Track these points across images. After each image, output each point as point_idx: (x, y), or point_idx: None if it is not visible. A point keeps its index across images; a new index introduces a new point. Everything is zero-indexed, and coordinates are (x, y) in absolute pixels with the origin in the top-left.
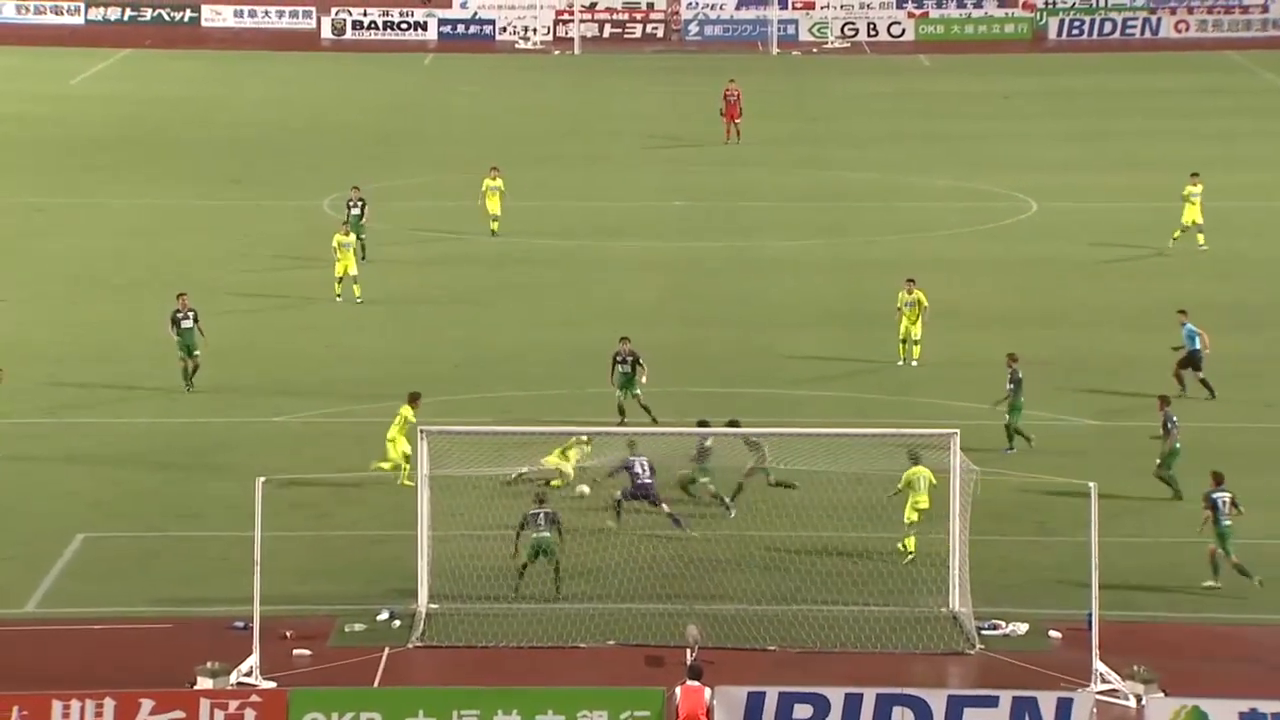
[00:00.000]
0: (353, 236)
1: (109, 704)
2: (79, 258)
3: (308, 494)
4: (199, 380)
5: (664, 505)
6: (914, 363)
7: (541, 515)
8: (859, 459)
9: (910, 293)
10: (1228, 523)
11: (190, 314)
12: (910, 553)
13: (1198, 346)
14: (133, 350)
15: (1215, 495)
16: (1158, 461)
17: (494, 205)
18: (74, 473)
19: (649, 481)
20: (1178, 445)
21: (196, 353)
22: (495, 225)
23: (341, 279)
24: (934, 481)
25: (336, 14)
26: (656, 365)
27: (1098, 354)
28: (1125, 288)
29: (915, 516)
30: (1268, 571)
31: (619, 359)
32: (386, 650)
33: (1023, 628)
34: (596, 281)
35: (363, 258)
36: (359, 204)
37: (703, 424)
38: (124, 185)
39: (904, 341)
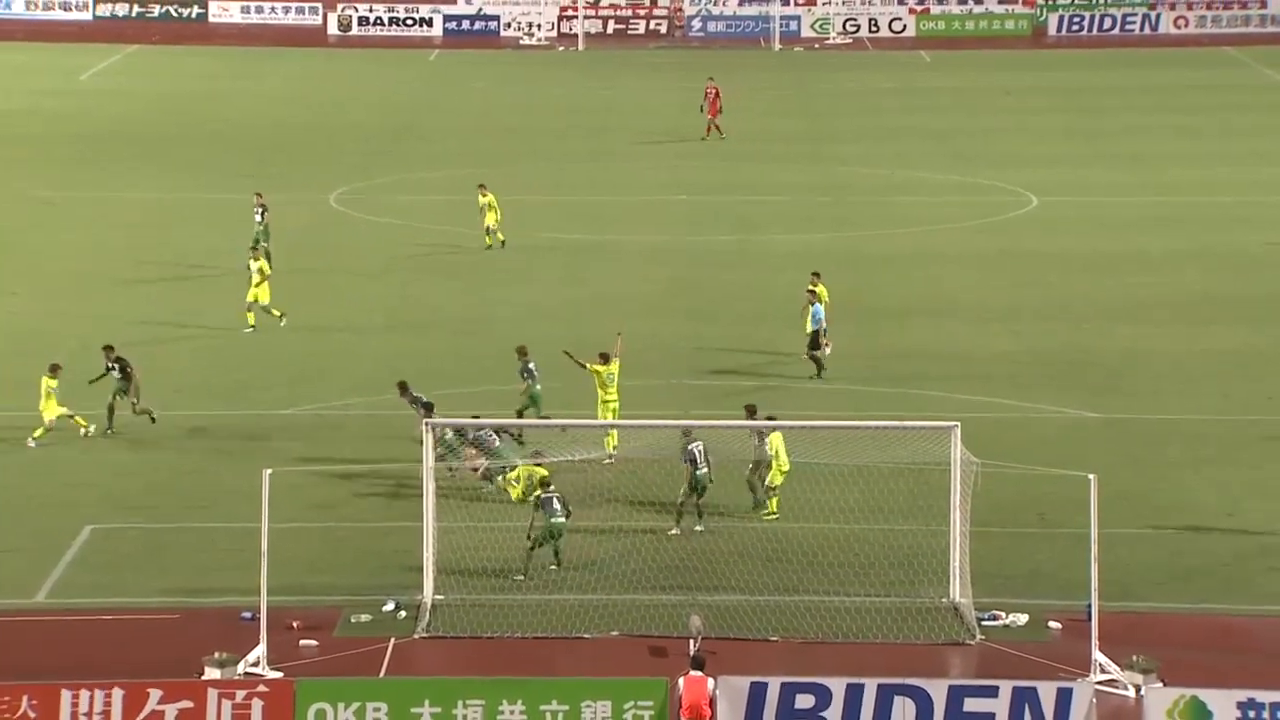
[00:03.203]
0: (263, 262)
1: (117, 694)
2: (89, 251)
3: (315, 486)
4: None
5: None
6: (826, 350)
7: (555, 499)
8: (860, 452)
9: (815, 286)
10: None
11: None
12: (774, 513)
13: (819, 329)
14: (141, 342)
15: (691, 446)
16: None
17: (490, 220)
18: (83, 464)
19: None
20: (538, 389)
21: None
22: (495, 238)
23: (252, 305)
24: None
25: (343, 10)
26: (660, 357)
27: (1097, 347)
28: (1124, 281)
29: (780, 479)
30: (1271, 562)
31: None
32: (392, 641)
33: (1023, 618)
34: (601, 275)
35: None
36: (260, 210)
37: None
38: (133, 179)
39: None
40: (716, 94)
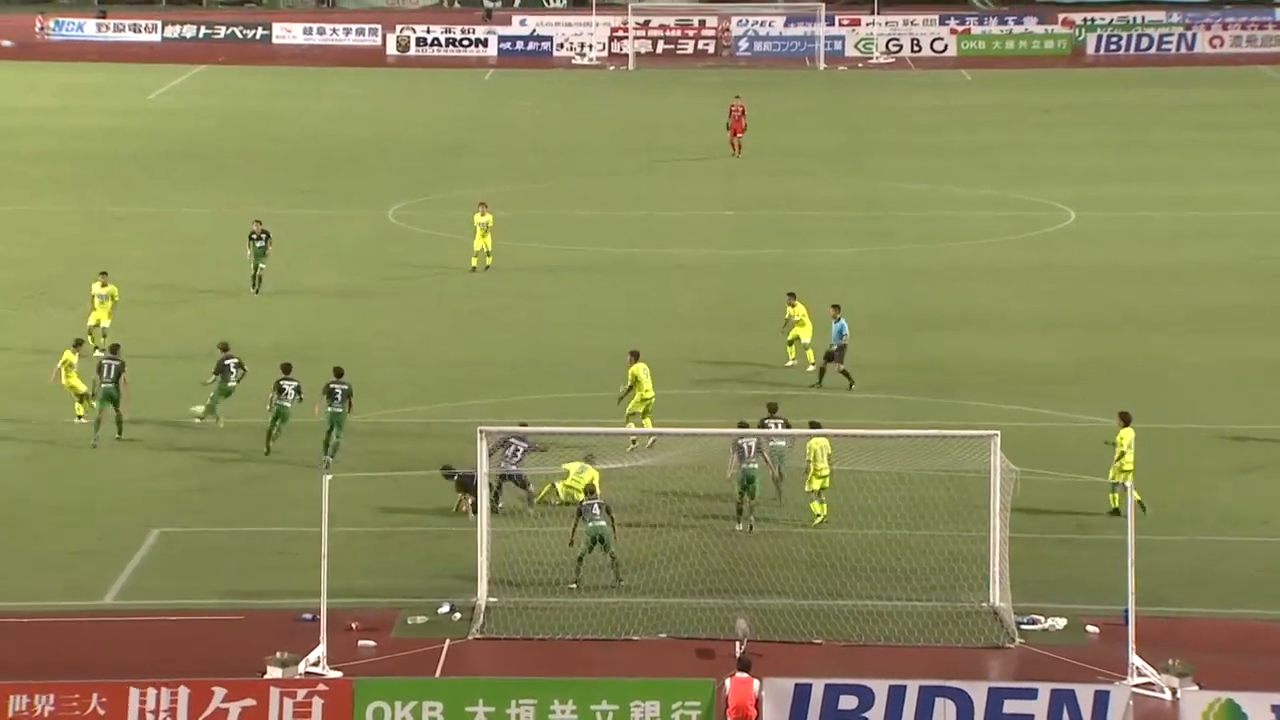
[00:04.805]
0: (112, 288)
1: (183, 692)
2: (156, 264)
3: (372, 491)
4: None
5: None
6: (809, 366)
7: (595, 505)
8: (902, 459)
9: (793, 306)
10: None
11: (112, 365)
12: (820, 515)
13: (845, 342)
14: (205, 352)
15: (743, 441)
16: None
17: (481, 241)
18: (149, 470)
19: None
20: (231, 385)
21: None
22: (482, 260)
23: (93, 329)
24: (830, 452)
25: (401, 31)
26: (705, 367)
27: (1133, 357)
28: (1159, 294)
29: (819, 484)
30: None
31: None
32: (447, 642)
33: (1061, 623)
34: (649, 287)
35: (257, 290)
36: (262, 236)
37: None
38: (199, 195)
39: (792, 343)
40: (743, 112)
